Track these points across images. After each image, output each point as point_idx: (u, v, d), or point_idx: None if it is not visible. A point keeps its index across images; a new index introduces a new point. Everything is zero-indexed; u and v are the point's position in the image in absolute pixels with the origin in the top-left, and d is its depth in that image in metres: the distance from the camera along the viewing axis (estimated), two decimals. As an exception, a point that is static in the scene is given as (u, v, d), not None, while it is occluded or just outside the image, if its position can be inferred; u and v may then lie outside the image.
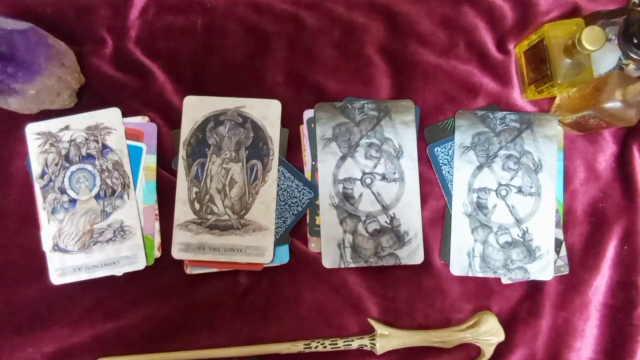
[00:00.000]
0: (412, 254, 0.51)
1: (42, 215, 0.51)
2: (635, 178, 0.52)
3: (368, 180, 0.51)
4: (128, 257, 0.50)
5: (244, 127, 0.52)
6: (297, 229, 0.52)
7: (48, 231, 0.50)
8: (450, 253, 0.51)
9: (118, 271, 0.51)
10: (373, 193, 0.51)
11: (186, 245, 0.51)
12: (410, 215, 0.51)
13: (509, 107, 0.54)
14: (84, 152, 0.51)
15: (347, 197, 0.51)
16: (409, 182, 0.51)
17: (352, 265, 0.51)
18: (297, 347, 0.50)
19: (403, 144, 0.51)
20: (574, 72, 0.48)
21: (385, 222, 0.51)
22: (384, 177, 0.51)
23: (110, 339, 0.51)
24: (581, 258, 0.52)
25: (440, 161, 0.52)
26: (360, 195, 0.51)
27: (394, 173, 0.51)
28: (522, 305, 0.52)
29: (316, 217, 0.52)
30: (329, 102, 0.52)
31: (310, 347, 0.50)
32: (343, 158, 0.51)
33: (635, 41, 0.47)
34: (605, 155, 0.54)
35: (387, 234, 0.51)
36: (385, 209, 0.51)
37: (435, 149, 0.52)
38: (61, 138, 0.51)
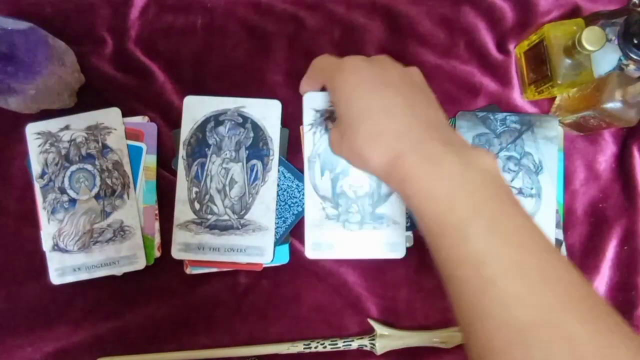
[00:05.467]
0: None
1: (42, 215, 0.51)
2: (635, 178, 0.52)
3: None
4: (128, 257, 0.50)
5: (244, 127, 0.52)
6: (297, 229, 0.52)
7: (48, 231, 0.50)
8: (450, 253, 0.51)
9: (118, 271, 0.51)
10: None
11: (186, 245, 0.51)
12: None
13: (509, 108, 0.54)
14: (84, 152, 0.51)
15: None
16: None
17: None
18: (297, 347, 0.50)
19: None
20: (574, 72, 0.48)
21: None
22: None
23: (110, 339, 0.51)
24: (581, 258, 0.52)
25: None
26: None
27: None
28: (522, 305, 0.52)
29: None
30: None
31: (310, 347, 0.50)
32: None
33: (636, 42, 0.47)
34: (605, 155, 0.54)
35: None
36: None
37: None
38: (61, 138, 0.51)
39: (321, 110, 0.50)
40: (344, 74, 0.38)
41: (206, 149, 0.51)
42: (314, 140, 0.50)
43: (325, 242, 0.50)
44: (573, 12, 0.54)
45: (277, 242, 0.51)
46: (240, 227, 0.51)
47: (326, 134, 0.50)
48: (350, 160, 0.39)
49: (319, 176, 0.50)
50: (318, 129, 0.49)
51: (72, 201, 0.51)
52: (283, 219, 0.51)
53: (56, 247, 0.50)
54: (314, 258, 0.51)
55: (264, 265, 0.51)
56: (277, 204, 0.51)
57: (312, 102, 0.50)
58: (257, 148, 0.51)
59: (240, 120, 0.52)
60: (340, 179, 0.50)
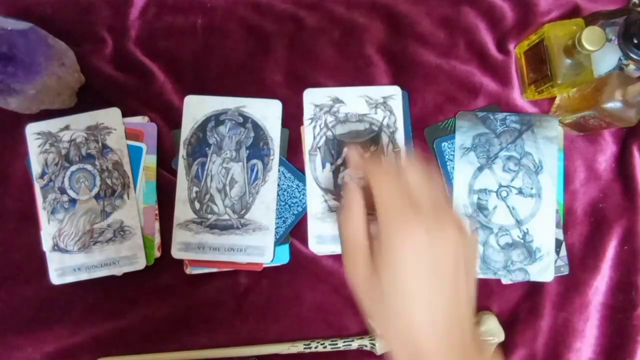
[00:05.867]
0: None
1: (42, 215, 0.51)
2: (635, 178, 0.52)
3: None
4: (128, 257, 0.50)
5: (244, 126, 0.52)
6: (297, 229, 0.52)
7: (48, 231, 0.50)
8: (450, 253, 0.51)
9: (118, 271, 0.51)
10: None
11: (186, 244, 0.51)
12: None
13: (509, 108, 0.54)
14: (84, 152, 0.51)
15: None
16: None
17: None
18: (297, 347, 0.50)
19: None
20: (574, 72, 0.48)
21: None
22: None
23: (110, 339, 0.51)
24: (581, 258, 0.52)
25: (447, 157, 0.52)
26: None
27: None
28: (522, 305, 0.52)
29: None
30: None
31: (310, 347, 0.50)
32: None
33: (636, 41, 0.47)
34: (605, 155, 0.54)
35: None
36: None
37: (443, 144, 0.52)
38: (61, 138, 0.51)
39: (320, 105, 0.50)
40: (404, 243, 0.35)
41: (206, 149, 0.51)
42: (314, 134, 0.50)
43: (328, 235, 0.50)
44: (573, 12, 0.54)
45: (277, 242, 0.51)
46: (240, 226, 0.51)
47: (325, 128, 0.50)
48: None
49: (320, 169, 0.51)
50: (318, 123, 0.50)
51: (72, 201, 0.51)
52: (283, 218, 0.51)
53: (56, 247, 0.50)
54: (317, 252, 0.51)
55: (264, 265, 0.51)
56: (277, 204, 0.51)
57: (312, 97, 0.50)
58: (257, 148, 0.51)
59: (241, 120, 0.52)
60: (341, 171, 0.51)
